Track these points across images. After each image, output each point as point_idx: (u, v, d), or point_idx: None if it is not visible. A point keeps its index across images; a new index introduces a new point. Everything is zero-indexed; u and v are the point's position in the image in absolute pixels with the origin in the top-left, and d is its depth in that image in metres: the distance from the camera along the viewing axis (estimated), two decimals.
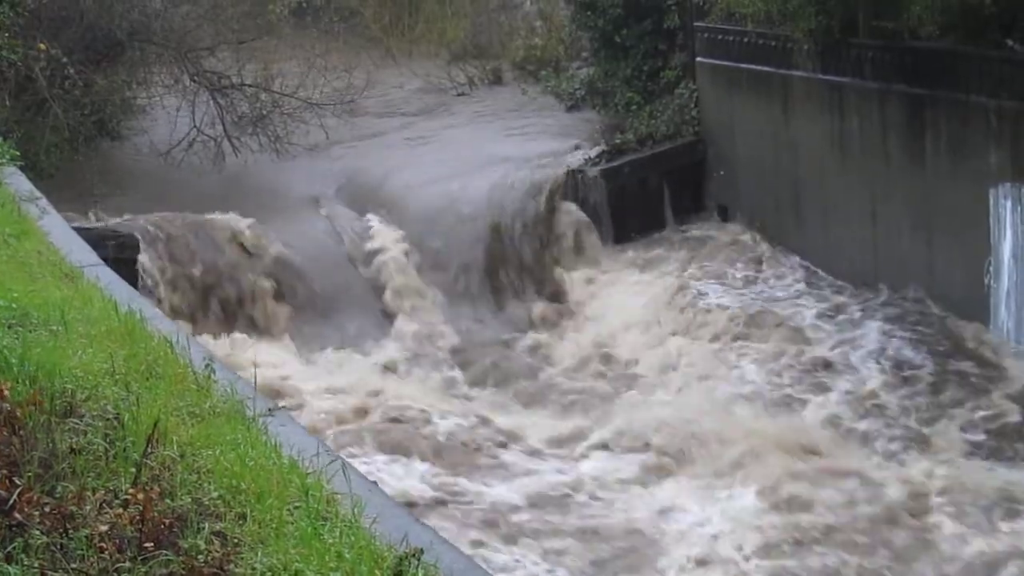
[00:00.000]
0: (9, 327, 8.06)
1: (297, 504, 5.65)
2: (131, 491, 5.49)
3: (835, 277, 20.78)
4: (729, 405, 17.28)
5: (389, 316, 21.13)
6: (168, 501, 5.56)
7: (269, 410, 7.26)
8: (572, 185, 23.27)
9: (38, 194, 15.09)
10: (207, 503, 5.62)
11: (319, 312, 20.96)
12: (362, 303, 21.27)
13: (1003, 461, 15.28)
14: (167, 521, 5.35)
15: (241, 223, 21.47)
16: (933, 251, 18.70)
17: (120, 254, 19.29)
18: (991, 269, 17.41)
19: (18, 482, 5.46)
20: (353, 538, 5.28)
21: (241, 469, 5.93)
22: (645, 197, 23.79)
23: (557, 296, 22.12)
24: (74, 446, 6.02)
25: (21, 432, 6.04)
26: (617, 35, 26.09)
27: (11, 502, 5.24)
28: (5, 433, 6.01)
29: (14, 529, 5.15)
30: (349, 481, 5.98)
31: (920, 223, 18.85)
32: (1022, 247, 16.86)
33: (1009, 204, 16.92)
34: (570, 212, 22.99)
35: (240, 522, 5.47)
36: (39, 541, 5.05)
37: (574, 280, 22.27)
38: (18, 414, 6.16)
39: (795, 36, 20.67)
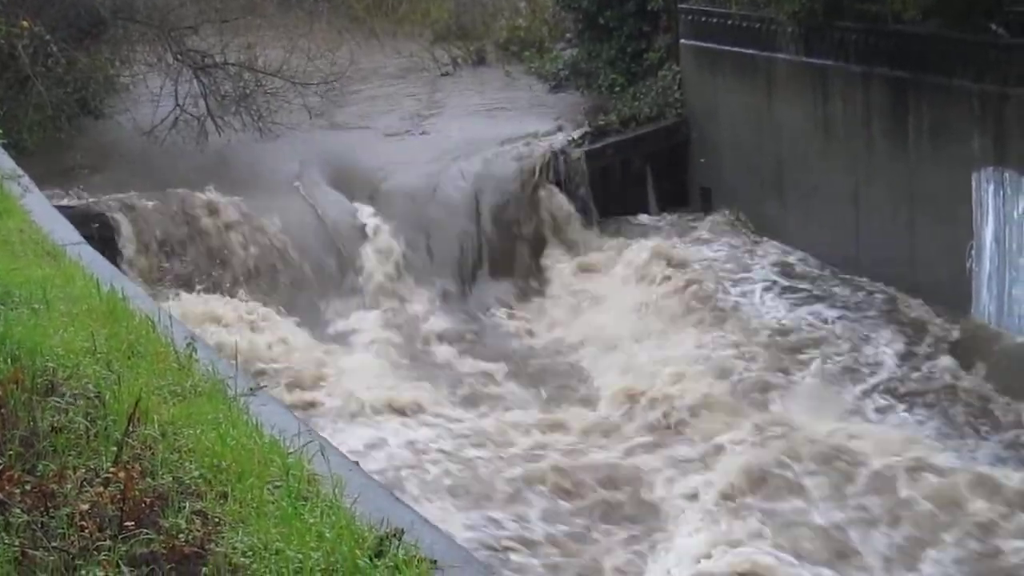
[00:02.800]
0: None
1: (278, 483, 5.65)
2: (112, 470, 5.49)
3: (816, 259, 20.83)
4: None
5: (367, 295, 21.10)
6: (149, 480, 5.55)
7: (251, 389, 7.24)
8: (555, 166, 23.23)
9: (20, 172, 15.00)
10: (188, 482, 5.62)
11: (299, 288, 20.93)
12: (340, 281, 21.26)
13: None
14: (148, 500, 5.34)
15: (222, 200, 21.40)
16: (915, 235, 18.74)
17: (102, 232, 19.27)
18: (973, 253, 17.46)
19: None
20: (334, 518, 5.27)
21: (222, 448, 5.92)
22: (628, 178, 23.83)
23: (538, 277, 22.11)
24: (55, 424, 6.02)
25: (2, 410, 6.04)
26: (601, 16, 26.09)
27: None
28: None
29: None
30: (329, 461, 5.98)
31: (903, 207, 18.89)
32: (1004, 231, 16.91)
33: (991, 188, 16.97)
34: (552, 193, 22.96)
35: (221, 501, 5.47)
36: (20, 519, 5.05)
37: (556, 261, 22.26)
38: None
39: (779, 18, 20.68)
